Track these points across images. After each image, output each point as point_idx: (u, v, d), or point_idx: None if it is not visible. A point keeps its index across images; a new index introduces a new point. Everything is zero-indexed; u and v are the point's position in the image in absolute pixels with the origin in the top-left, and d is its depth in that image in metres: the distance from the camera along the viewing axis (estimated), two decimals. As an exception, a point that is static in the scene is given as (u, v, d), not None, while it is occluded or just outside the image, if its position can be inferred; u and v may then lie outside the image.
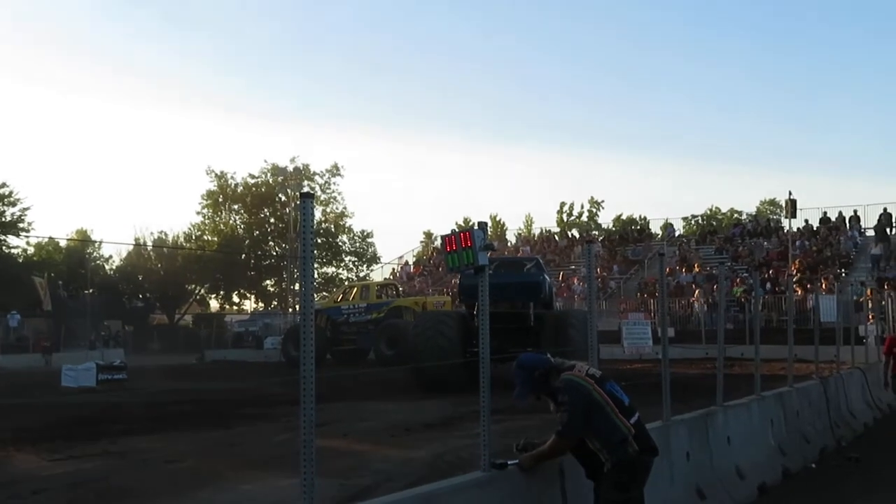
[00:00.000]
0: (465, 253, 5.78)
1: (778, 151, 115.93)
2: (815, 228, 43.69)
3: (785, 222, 43.12)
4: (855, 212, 43.44)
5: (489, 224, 6.29)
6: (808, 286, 33.95)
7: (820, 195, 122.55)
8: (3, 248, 60.41)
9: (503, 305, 20.11)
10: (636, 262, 45.77)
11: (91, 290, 57.80)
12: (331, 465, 9.58)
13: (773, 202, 75.75)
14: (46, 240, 65.56)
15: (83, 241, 62.82)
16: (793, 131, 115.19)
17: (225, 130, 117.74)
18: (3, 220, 57.59)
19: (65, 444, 13.00)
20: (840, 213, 44.28)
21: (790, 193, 38.87)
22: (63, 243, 66.01)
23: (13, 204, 59.36)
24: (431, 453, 11.44)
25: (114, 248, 67.39)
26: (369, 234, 72.83)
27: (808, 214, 44.24)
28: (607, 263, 45.30)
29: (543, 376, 5.76)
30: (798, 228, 42.78)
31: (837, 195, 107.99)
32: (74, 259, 63.03)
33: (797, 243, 40.77)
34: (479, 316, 5.89)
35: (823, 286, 31.55)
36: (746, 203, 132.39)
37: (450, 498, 5.10)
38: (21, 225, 57.75)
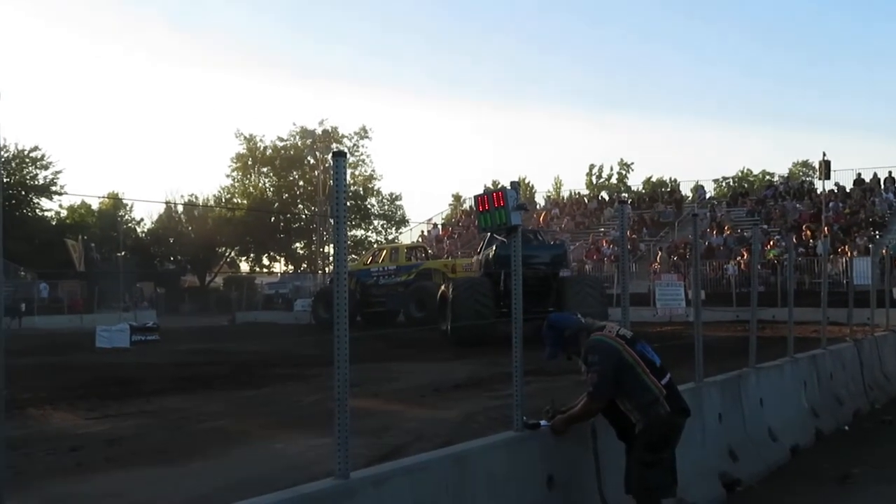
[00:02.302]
0: (498, 213, 5.74)
1: (812, 112, 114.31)
2: (848, 190, 43.05)
3: (818, 184, 42.53)
4: (890, 173, 42.70)
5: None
6: (842, 248, 33.57)
7: (854, 157, 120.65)
8: (37, 211, 61.11)
9: (528, 272, 20.57)
10: (666, 225, 45.45)
11: (123, 253, 58.40)
12: (362, 424, 9.62)
13: (805, 164, 74.81)
14: (79, 203, 66.27)
15: (115, 198, 63.38)
16: (827, 92, 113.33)
17: (254, 94, 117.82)
18: (36, 182, 58.26)
19: (100, 402, 13.19)
20: (875, 174, 43.58)
21: (824, 154, 38.34)
22: (95, 207, 66.73)
23: (45, 167, 60.01)
24: (462, 413, 11.48)
25: (145, 212, 68.10)
26: (398, 197, 73.03)
27: (842, 176, 43.55)
28: (637, 226, 44.99)
29: (573, 336, 5.75)
30: (831, 189, 42.16)
31: (872, 156, 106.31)
32: (107, 222, 63.65)
33: (830, 205, 40.20)
34: (513, 277, 5.87)
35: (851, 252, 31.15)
36: (779, 165, 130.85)
37: (482, 457, 5.11)
38: (54, 188, 58.46)
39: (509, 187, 5.78)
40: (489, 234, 24.87)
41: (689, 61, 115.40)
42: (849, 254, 31.00)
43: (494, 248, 23.65)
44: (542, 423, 5.64)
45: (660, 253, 40.10)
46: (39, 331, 35.87)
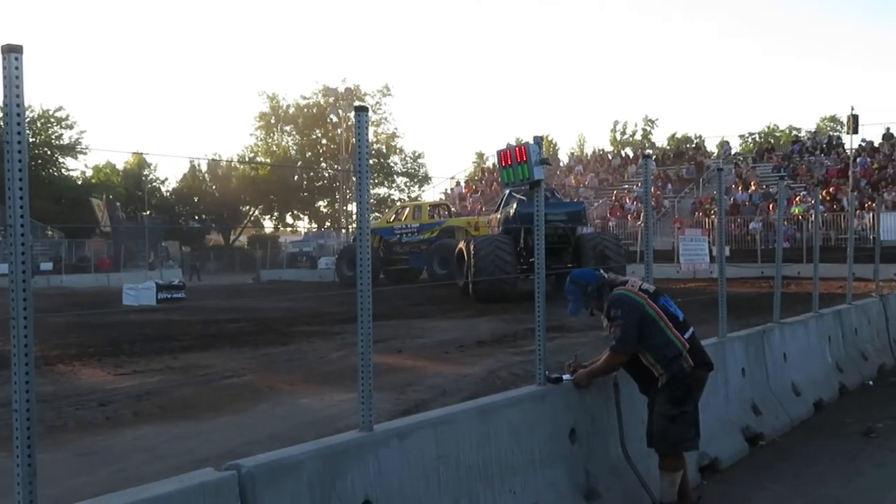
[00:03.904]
0: (521, 168, 5.69)
1: (840, 66, 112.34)
2: (876, 145, 42.41)
3: (846, 139, 41.93)
4: (920, 127, 42.01)
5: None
6: (869, 204, 33.18)
7: (883, 111, 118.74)
8: (62, 170, 61.53)
9: (546, 229, 20.81)
10: (690, 181, 45.05)
11: (148, 212, 58.79)
12: (385, 380, 9.73)
13: (833, 118, 73.87)
14: (104, 162, 66.66)
15: (140, 153, 63.63)
16: (856, 45, 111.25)
17: (276, 52, 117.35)
18: (61, 142, 58.65)
19: (128, 359, 13.37)
20: (904, 128, 42.86)
21: (852, 109, 37.84)
22: (120, 167, 67.14)
23: (70, 127, 60.34)
24: (485, 369, 11.54)
25: (170, 172, 68.44)
26: (420, 155, 73.03)
27: (870, 131, 42.93)
28: (661, 182, 44.61)
29: (597, 292, 5.73)
30: (860, 144, 41.55)
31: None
32: (131, 182, 64.02)
33: (858, 160, 39.64)
34: (536, 232, 5.85)
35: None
36: (806, 120, 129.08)
37: (506, 410, 5.14)
38: (79, 147, 58.85)
39: (532, 142, 5.72)
40: (508, 191, 24.95)
41: (715, 15, 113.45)
42: (876, 209, 30.65)
43: (515, 205, 23.82)
44: (565, 377, 5.65)
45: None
46: (67, 289, 36.31)
